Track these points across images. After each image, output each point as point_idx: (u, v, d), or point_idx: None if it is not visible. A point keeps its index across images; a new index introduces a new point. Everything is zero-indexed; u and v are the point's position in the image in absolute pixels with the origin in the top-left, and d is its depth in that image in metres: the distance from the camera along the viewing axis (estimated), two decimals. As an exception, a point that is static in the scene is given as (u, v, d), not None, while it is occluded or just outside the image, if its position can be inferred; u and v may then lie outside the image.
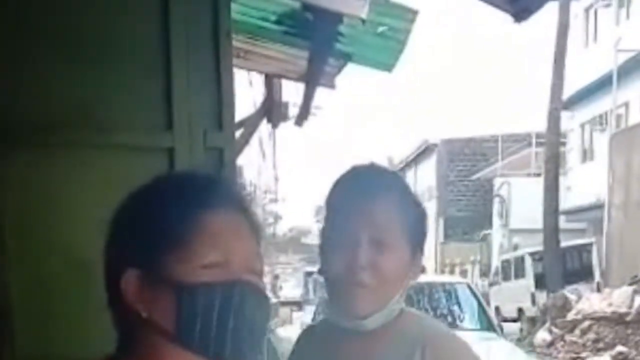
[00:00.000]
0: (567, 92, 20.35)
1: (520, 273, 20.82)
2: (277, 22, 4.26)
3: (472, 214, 31.17)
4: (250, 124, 6.78)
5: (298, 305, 20.72)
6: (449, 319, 8.37)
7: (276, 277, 26.48)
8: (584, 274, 18.63)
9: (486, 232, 27.97)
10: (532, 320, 17.18)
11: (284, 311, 17.27)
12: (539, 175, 22.69)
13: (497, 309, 20.38)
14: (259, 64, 5.48)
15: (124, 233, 1.09)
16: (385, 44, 4.15)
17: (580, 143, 22.57)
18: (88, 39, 2.28)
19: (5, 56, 2.22)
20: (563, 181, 20.56)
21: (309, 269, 32.37)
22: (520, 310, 19.69)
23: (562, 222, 19.98)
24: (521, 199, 24.06)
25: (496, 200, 27.14)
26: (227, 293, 1.03)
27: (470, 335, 7.25)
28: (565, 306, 15.11)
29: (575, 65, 20.17)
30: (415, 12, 3.94)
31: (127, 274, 1.06)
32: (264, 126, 8.12)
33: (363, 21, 3.17)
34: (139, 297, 1.05)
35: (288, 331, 11.72)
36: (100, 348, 1.13)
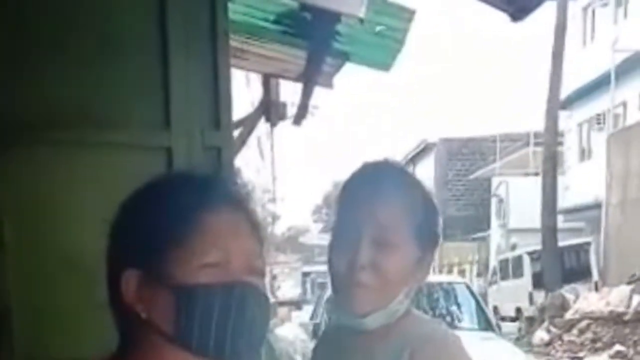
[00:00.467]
0: (565, 91, 20.39)
1: (518, 272, 20.85)
2: (275, 22, 4.26)
3: (470, 214, 31.17)
4: (249, 124, 6.77)
5: (296, 304, 20.71)
6: (448, 318, 8.39)
7: (274, 277, 26.47)
8: (581, 273, 18.64)
9: (484, 234, 27.98)
10: (530, 320, 17.21)
11: (282, 311, 17.28)
12: (537, 174, 22.69)
13: (495, 308, 20.40)
14: (257, 64, 5.48)
15: (123, 233, 1.09)
16: (383, 43, 4.15)
17: (578, 142, 22.57)
18: (86, 38, 2.28)
19: (3, 55, 2.22)
20: (561, 180, 20.56)
21: (306, 269, 32.46)
22: (518, 310, 19.73)
23: (560, 222, 20.01)
24: (519, 199, 24.06)
25: (494, 200, 27.13)
26: (227, 294, 1.03)
27: (469, 335, 7.28)
28: (563, 305, 15.14)
29: (573, 64, 20.19)
30: (412, 12, 3.95)
31: (127, 274, 1.05)
32: (262, 126, 8.11)
33: (361, 20, 3.17)
34: (138, 297, 1.05)
35: (286, 330, 11.70)
36: (100, 347, 1.13)
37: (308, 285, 30.72)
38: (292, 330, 10.92)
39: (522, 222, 23.24)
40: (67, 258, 2.17)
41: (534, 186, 21.05)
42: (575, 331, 13.85)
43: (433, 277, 11.20)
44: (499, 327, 8.97)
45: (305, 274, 32.15)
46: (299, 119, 6.96)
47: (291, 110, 7.09)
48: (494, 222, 27.13)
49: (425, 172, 32.79)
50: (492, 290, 22.75)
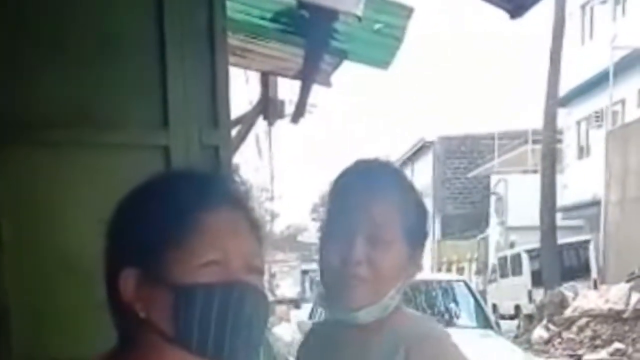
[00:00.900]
0: (564, 89, 20.39)
1: (517, 270, 20.87)
2: (273, 20, 4.26)
3: (468, 212, 31.17)
4: (247, 122, 6.78)
5: (295, 303, 20.71)
6: (446, 316, 8.38)
7: (273, 275, 26.49)
8: (581, 271, 18.67)
9: (482, 235, 27.99)
10: (529, 318, 17.23)
11: (281, 309, 17.30)
12: (535, 172, 22.68)
13: (494, 306, 20.43)
14: (255, 62, 5.48)
15: (121, 232, 1.08)
16: (381, 41, 4.15)
17: (577, 140, 22.58)
18: (84, 38, 2.28)
19: (2, 55, 2.22)
20: (560, 178, 20.57)
21: (305, 267, 32.47)
22: (517, 308, 19.74)
23: (559, 220, 20.02)
24: (518, 197, 24.04)
25: (493, 198, 27.13)
26: (226, 293, 1.03)
27: (468, 333, 7.28)
28: (562, 303, 15.15)
29: (572, 62, 20.19)
30: (411, 9, 3.94)
31: (125, 273, 1.05)
32: (260, 124, 8.12)
33: (359, 18, 3.16)
34: (136, 296, 1.04)
35: (284, 329, 11.70)
36: (98, 347, 1.12)
37: (307, 284, 30.76)
38: (289, 332, 10.91)
39: (521, 220, 23.24)
40: (65, 258, 2.17)
41: (532, 184, 21.04)
42: (574, 329, 13.86)
43: (432, 275, 11.22)
44: (498, 325, 8.96)
45: (304, 272, 32.18)
46: (297, 117, 6.97)
47: (289, 109, 7.10)
48: (493, 220, 27.14)
49: (424, 170, 32.83)
50: (491, 288, 22.78)
